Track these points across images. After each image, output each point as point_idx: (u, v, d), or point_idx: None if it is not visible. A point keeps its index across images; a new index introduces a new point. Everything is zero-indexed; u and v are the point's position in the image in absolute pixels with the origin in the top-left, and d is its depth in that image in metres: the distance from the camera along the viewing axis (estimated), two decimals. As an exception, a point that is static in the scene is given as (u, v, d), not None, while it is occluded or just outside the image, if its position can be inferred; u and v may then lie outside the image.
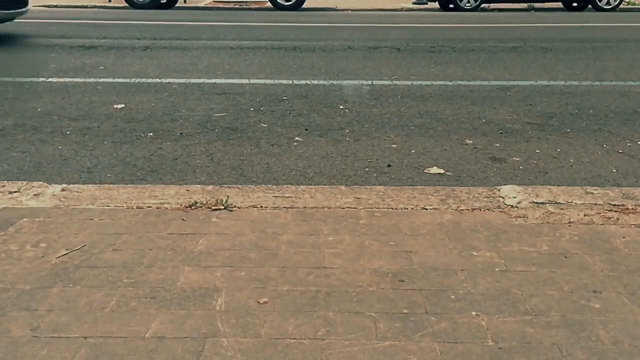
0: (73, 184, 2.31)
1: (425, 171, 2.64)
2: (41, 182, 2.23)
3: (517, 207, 2.03)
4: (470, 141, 3.06)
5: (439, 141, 3.06)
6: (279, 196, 2.12)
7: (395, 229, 1.87)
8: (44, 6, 12.00)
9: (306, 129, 3.26)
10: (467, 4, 12.83)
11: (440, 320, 1.39)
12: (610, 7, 12.61)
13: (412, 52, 6.03)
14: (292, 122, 3.38)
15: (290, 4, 12.13)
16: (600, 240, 1.80)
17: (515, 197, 2.10)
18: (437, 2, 13.97)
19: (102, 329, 1.35)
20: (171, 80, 4.50)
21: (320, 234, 1.82)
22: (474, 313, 1.42)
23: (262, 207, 2.02)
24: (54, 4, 12.31)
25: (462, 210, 2.01)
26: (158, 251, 1.71)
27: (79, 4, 12.60)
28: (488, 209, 2.01)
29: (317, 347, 1.29)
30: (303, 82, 4.48)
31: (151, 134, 3.17)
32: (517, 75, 4.78)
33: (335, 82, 4.47)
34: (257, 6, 13.32)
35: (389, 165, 2.71)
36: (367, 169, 2.66)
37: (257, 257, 1.68)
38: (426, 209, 2.02)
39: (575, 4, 13.56)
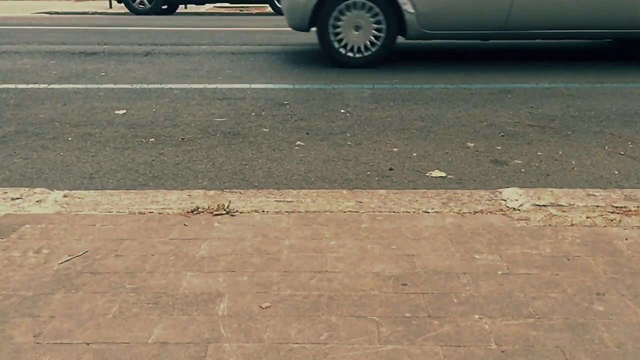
0: (75, 190, 2.32)
1: (427, 174, 2.64)
2: (43, 189, 2.24)
3: (519, 210, 2.02)
4: (472, 144, 3.06)
5: (440, 144, 3.06)
6: (280, 200, 2.12)
7: (397, 232, 1.86)
8: (45, 13, 12.06)
9: (307, 133, 3.26)
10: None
11: (443, 323, 1.39)
12: (611, 8, 12.61)
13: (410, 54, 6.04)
14: (294, 127, 3.39)
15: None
16: (603, 242, 1.80)
17: (517, 200, 2.09)
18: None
19: (105, 335, 1.35)
20: (172, 86, 4.51)
21: (322, 238, 1.82)
22: (476, 316, 1.42)
23: (264, 211, 2.02)
24: (56, 10, 12.36)
25: (464, 213, 2.01)
26: (160, 257, 1.72)
27: (80, 11, 12.65)
28: (490, 212, 2.01)
29: (320, 352, 1.29)
30: (304, 86, 4.49)
31: (153, 139, 3.17)
32: (518, 77, 4.78)
33: (336, 86, 4.48)
34: (257, 11, 13.35)
35: (390, 169, 2.71)
36: (368, 173, 2.66)
37: (259, 261, 1.68)
38: (428, 212, 2.01)
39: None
